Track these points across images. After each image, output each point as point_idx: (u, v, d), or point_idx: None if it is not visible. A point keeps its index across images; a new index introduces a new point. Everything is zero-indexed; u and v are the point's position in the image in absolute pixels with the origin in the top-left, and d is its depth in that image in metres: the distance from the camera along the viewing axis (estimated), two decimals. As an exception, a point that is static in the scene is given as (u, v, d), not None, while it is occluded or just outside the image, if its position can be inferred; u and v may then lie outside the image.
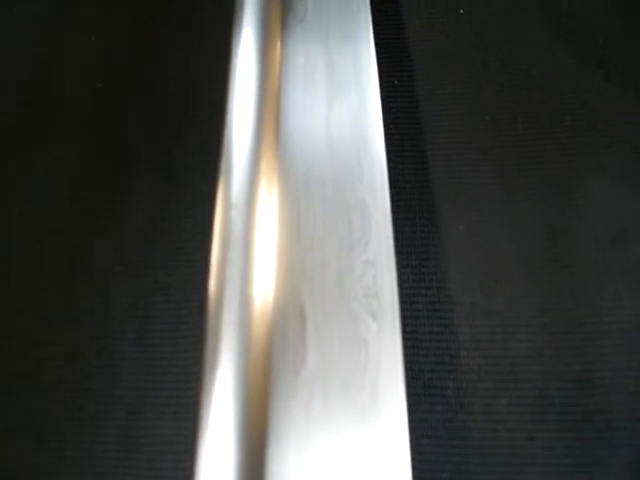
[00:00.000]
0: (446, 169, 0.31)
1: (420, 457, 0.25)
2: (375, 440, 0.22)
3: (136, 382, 0.28)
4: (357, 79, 0.29)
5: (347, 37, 0.30)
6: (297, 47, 0.30)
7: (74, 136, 0.34)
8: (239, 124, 0.28)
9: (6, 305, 0.30)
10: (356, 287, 0.25)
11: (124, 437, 0.27)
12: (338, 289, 0.25)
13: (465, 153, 0.31)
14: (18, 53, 0.37)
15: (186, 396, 0.27)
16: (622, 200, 0.29)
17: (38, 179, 0.33)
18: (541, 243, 0.29)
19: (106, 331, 0.29)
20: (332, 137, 0.28)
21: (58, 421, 0.28)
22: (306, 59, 0.30)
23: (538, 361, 0.27)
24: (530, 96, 0.32)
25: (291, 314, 0.24)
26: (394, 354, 0.24)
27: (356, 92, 0.29)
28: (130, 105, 0.34)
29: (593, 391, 0.26)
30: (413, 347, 0.27)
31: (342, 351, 0.24)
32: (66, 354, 0.29)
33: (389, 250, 0.25)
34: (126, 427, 0.27)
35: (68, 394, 0.28)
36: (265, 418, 0.23)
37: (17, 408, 0.28)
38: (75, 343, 0.29)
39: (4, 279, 0.31)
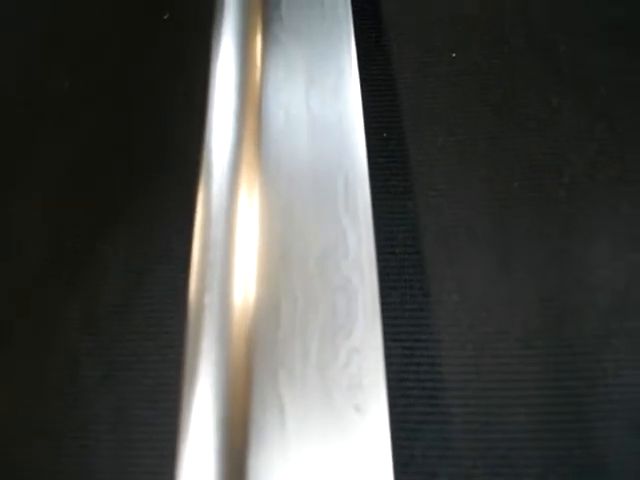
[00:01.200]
0: (439, 231, 0.29)
1: None
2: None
3: (111, 464, 0.27)
4: (342, 134, 0.28)
5: (330, 88, 0.29)
6: (278, 87, 0.29)
7: (40, 192, 0.32)
8: (216, 178, 0.27)
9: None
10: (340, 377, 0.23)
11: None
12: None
13: (459, 213, 0.29)
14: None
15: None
16: (627, 269, 0.27)
17: (5, 242, 0.31)
18: (540, 316, 0.27)
19: (78, 408, 0.28)
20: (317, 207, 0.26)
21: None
22: (286, 110, 0.28)
23: (536, 445, 0.25)
24: (527, 148, 0.30)
25: (269, 409, 0.23)
26: (381, 445, 0.22)
27: (341, 147, 0.27)
28: (101, 159, 0.33)
29: (596, 478, 0.25)
30: (402, 430, 0.26)
31: (323, 442, 0.22)
32: (35, 432, 0.27)
33: (376, 333, 0.24)
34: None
35: (37, 476, 0.27)
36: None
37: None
38: (44, 420, 0.27)
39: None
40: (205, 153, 0.27)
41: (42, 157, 0.33)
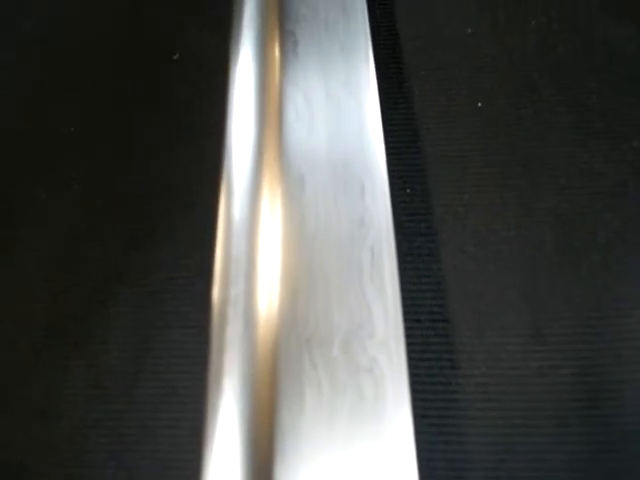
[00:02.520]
0: (466, 297, 0.28)
1: None
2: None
3: None
4: (364, 192, 0.26)
5: (354, 144, 0.27)
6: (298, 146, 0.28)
7: (42, 251, 0.31)
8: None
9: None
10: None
11: None
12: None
13: (488, 277, 0.28)
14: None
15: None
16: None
17: (7, 306, 0.30)
18: (574, 391, 0.26)
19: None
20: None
21: None
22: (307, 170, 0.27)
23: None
24: (558, 207, 0.29)
25: None
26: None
27: (365, 206, 0.26)
28: (106, 213, 0.31)
29: None
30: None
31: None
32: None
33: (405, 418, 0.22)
34: None
35: None
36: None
37: None
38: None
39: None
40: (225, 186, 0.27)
41: (44, 216, 0.31)
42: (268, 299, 0.24)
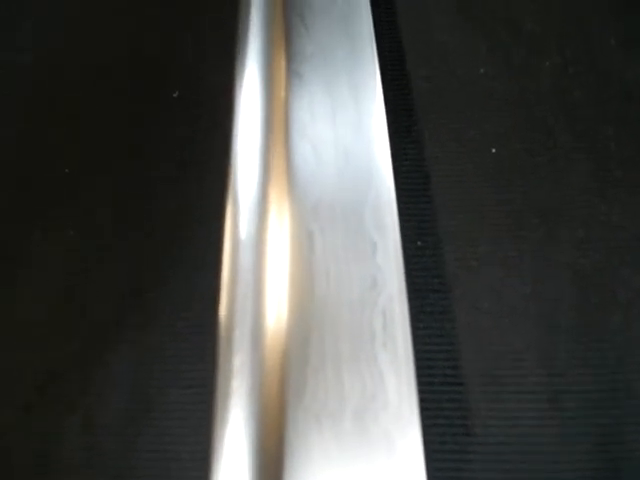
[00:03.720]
0: (481, 358, 0.27)
1: None
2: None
3: None
4: (375, 253, 0.25)
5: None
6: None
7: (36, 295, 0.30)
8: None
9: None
10: None
11: None
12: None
13: (503, 336, 0.27)
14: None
15: None
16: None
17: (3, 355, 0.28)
18: (594, 461, 0.25)
19: None
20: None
21: None
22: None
23: None
24: (576, 262, 0.28)
25: None
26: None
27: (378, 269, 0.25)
28: (105, 256, 0.30)
29: None
30: None
31: None
32: None
33: None
34: None
35: None
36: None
37: None
38: None
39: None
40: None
41: (38, 264, 0.30)
42: (274, 369, 0.23)
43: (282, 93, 0.30)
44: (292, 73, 0.30)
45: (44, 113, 0.34)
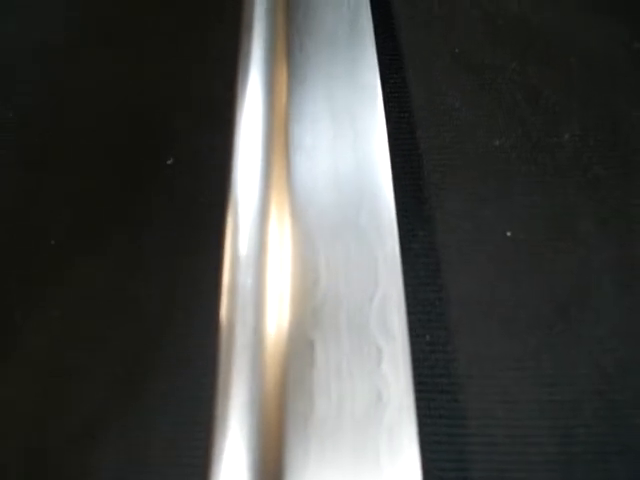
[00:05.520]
0: (493, 472, 0.25)
1: None
2: None
3: None
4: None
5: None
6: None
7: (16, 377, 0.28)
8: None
9: None
10: None
11: None
12: None
13: (518, 449, 0.25)
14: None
15: None
16: None
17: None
18: None
19: None
20: None
21: None
22: None
23: None
24: (599, 363, 0.26)
25: None
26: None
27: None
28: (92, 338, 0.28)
29: None
30: None
31: None
32: None
33: None
34: None
35: None
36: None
37: None
38: None
39: None
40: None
41: (20, 345, 0.28)
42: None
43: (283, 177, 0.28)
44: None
45: (29, 177, 0.32)
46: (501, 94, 0.32)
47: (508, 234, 0.29)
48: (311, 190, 0.27)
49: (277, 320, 0.23)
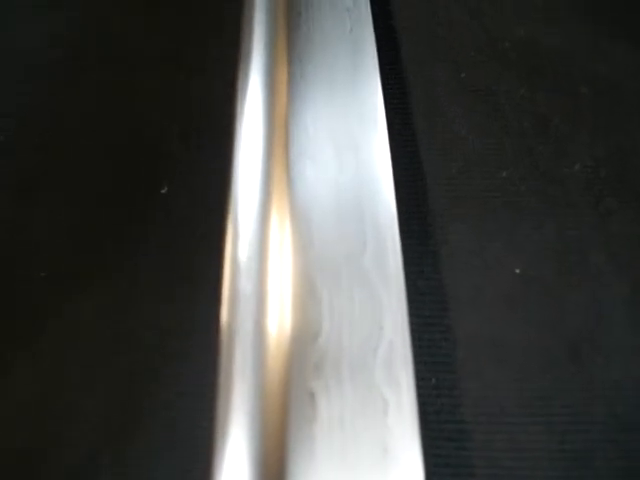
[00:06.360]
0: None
1: None
2: None
3: None
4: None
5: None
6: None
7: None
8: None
9: None
10: None
11: None
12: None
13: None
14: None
15: None
16: None
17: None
18: None
19: None
20: None
21: None
22: None
23: None
24: (613, 411, 0.25)
25: None
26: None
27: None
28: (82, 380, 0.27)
29: None
30: None
31: None
32: None
33: None
34: None
35: None
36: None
37: None
38: None
39: None
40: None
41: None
42: None
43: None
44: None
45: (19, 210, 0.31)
46: (509, 122, 0.31)
47: (517, 271, 0.28)
48: (313, 224, 0.26)
49: (277, 371, 0.22)
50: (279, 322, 0.23)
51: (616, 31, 0.34)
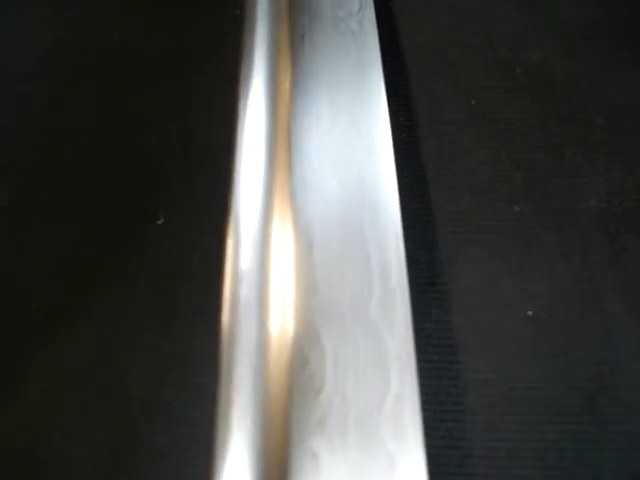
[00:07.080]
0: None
1: None
2: None
3: None
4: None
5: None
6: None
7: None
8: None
9: None
10: None
11: None
12: None
13: None
14: None
15: None
16: None
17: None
18: None
19: None
20: None
21: None
22: None
23: None
24: (630, 465, 0.24)
25: None
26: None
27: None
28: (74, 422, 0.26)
29: None
30: None
31: None
32: None
33: None
34: None
35: None
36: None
37: None
38: None
39: None
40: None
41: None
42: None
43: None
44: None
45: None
46: (521, 153, 0.30)
47: (529, 313, 0.27)
48: (317, 264, 0.25)
49: (278, 429, 0.21)
50: (279, 374, 0.22)
51: (632, 59, 0.33)
